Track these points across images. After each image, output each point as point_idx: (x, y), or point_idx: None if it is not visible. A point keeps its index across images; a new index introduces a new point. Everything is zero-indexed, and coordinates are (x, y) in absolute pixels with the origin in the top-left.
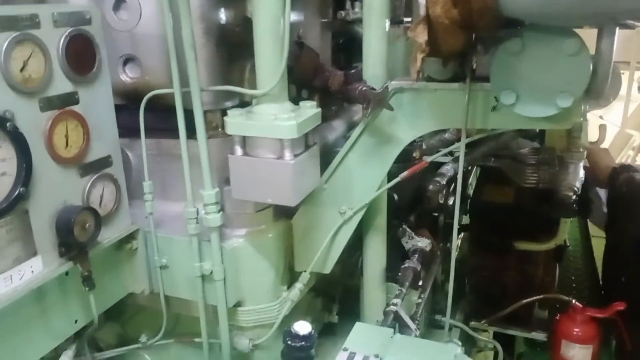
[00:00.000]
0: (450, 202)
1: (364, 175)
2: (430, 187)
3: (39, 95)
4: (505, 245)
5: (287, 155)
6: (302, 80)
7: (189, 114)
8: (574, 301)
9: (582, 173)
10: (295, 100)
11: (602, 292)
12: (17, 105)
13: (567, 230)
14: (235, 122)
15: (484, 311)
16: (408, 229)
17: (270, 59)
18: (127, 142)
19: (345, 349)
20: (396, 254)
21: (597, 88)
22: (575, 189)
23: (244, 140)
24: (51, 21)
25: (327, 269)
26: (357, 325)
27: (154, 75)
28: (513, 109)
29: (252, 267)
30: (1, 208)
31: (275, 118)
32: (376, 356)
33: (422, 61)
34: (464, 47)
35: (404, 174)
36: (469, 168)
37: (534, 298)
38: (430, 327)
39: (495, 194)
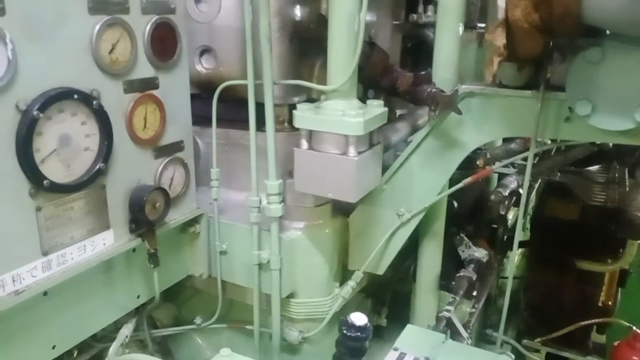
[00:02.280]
0: (511, 214)
1: (425, 179)
2: (492, 197)
3: (124, 78)
4: (566, 263)
5: (352, 151)
6: (370, 79)
7: (258, 107)
8: (634, 328)
9: None
10: (362, 100)
11: None
12: (103, 85)
13: (633, 253)
14: (304, 115)
15: (537, 330)
16: (466, 238)
17: (342, 55)
18: (197, 130)
19: (396, 349)
20: (452, 262)
21: None
22: None
23: (310, 135)
24: (139, 7)
25: (381, 270)
26: (409, 327)
27: (227, 67)
28: (588, 120)
29: (307, 260)
30: (82, 181)
31: (342, 114)
32: (427, 359)
33: (498, 65)
34: (541, 53)
35: (468, 180)
36: (532, 182)
37: (593, 321)
38: (481, 342)
39: (559, 209)
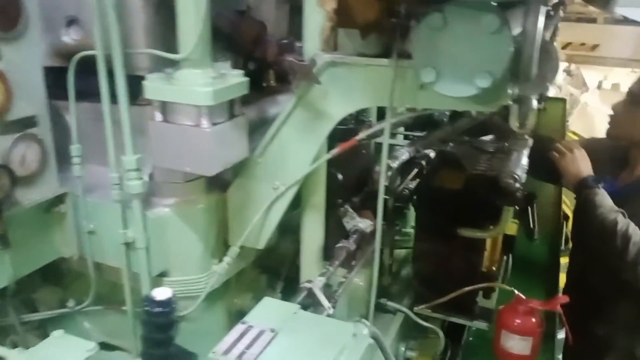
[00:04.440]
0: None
1: (298, 151)
2: (377, 168)
3: None
4: (450, 231)
5: (204, 123)
6: (243, 50)
7: (132, 79)
8: (516, 292)
9: (525, 161)
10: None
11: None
12: None
13: (508, 218)
14: (154, 86)
15: (428, 298)
16: (350, 209)
17: (189, 20)
18: (67, 105)
19: (244, 322)
20: (340, 234)
21: (524, 69)
22: (516, 176)
23: (165, 106)
24: None
25: (261, 245)
26: (265, 300)
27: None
28: (433, 87)
29: (178, 238)
30: None
31: (192, 84)
32: (272, 330)
33: (331, 31)
34: (380, 19)
35: (334, 150)
36: (425, 152)
37: (475, 287)
38: (378, 311)
39: (446, 179)
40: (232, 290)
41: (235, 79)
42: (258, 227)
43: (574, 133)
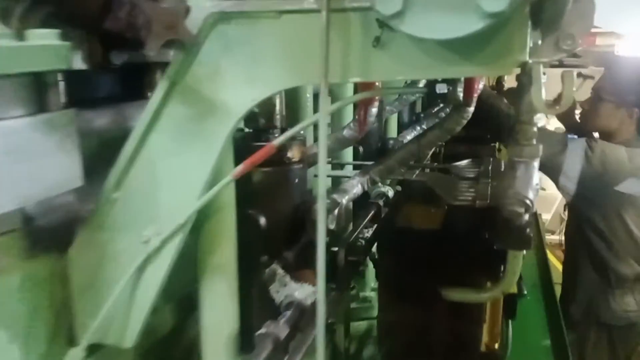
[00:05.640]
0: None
1: (178, 175)
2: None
3: None
4: (429, 293)
5: None
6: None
7: None
8: None
9: (536, 177)
10: None
11: None
12: None
13: (518, 270)
14: None
15: None
16: (280, 271)
17: None
18: None
19: None
20: (265, 311)
21: (553, 9)
22: (528, 202)
23: None
24: None
25: (128, 341)
26: None
27: None
28: (400, 27)
29: None
30: None
31: None
32: None
33: None
34: None
35: (238, 168)
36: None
37: None
38: None
39: (415, 217)
40: None
41: (44, 41)
42: (121, 312)
43: None
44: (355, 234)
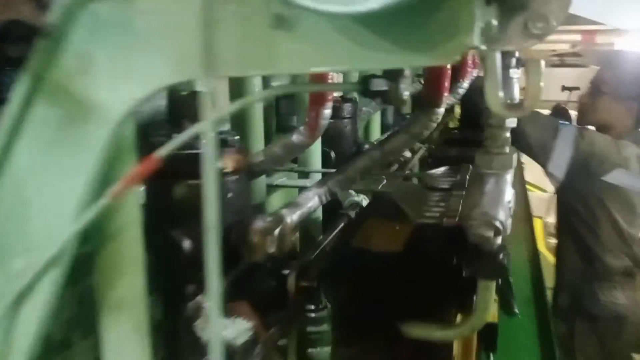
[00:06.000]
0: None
1: (48, 194)
2: (258, 225)
3: None
4: (389, 330)
5: None
6: None
7: None
8: None
9: (509, 193)
10: None
11: None
12: None
13: (490, 302)
14: None
15: None
16: (207, 303)
17: None
18: None
19: None
20: (190, 351)
21: None
22: (497, 224)
23: None
24: None
25: None
26: None
27: None
28: (305, 2)
29: None
30: None
31: None
32: None
33: None
34: None
35: (115, 186)
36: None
37: None
38: None
39: (374, 238)
40: None
41: None
42: None
43: None
44: (316, 253)
